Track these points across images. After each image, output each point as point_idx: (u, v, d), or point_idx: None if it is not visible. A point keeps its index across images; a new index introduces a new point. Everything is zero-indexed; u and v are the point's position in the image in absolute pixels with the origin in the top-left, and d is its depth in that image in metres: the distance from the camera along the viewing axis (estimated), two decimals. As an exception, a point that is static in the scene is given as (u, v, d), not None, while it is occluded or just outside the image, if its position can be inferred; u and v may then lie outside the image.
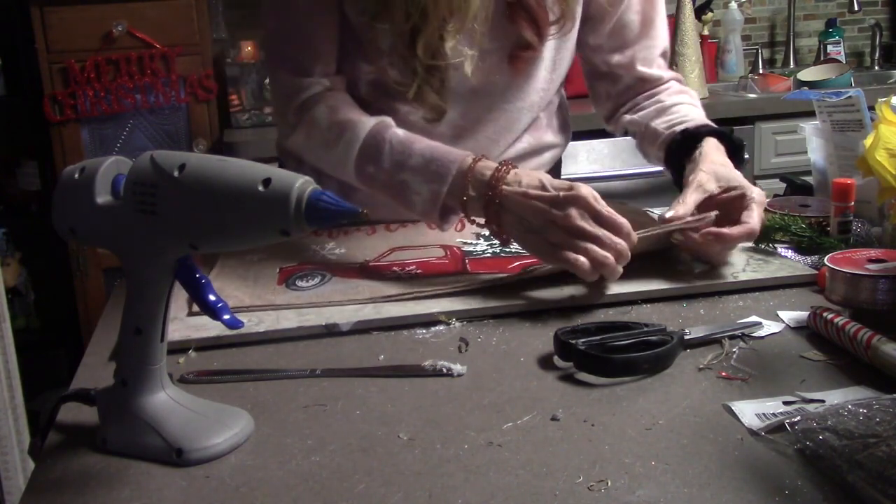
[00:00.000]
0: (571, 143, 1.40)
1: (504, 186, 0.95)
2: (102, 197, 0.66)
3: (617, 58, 1.26)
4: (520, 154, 1.27)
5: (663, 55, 1.29)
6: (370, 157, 1.06)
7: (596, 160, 2.44)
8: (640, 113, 1.25)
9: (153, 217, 0.63)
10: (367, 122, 1.09)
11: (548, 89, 1.24)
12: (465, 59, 1.08)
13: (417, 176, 1.02)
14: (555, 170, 1.37)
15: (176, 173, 0.62)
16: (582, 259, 0.89)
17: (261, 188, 0.59)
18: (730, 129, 1.17)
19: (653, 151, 1.23)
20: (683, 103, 1.23)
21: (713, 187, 1.02)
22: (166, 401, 0.67)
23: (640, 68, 1.26)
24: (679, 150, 1.14)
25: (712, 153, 1.08)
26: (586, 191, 0.92)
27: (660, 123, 1.21)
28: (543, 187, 0.94)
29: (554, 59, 1.22)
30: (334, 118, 1.10)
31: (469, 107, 1.19)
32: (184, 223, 0.62)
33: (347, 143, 1.08)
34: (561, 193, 0.92)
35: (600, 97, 1.32)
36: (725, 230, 0.97)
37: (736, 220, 0.99)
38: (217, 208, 0.61)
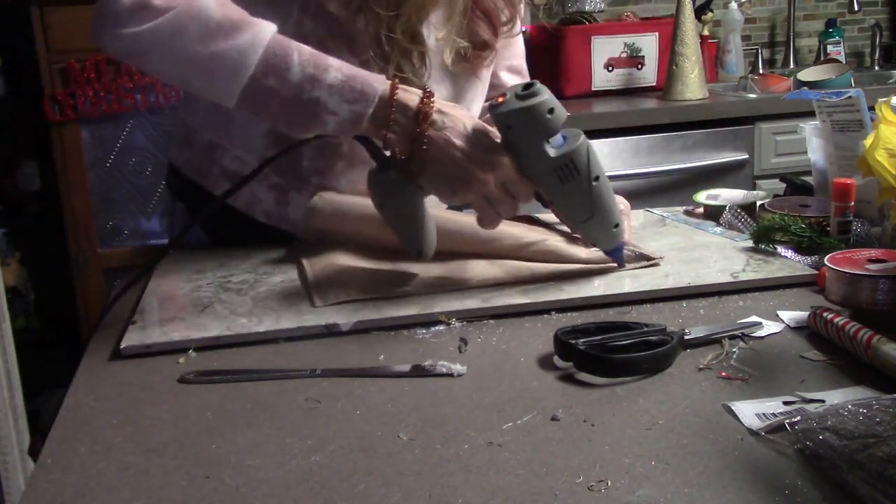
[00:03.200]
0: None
1: (431, 130, 0.92)
2: None
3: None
4: None
5: (513, 69, 1.32)
6: (275, 67, 0.92)
7: (596, 160, 2.44)
8: None
9: None
10: (268, 26, 0.94)
11: (488, 78, 1.26)
12: (447, 45, 1.09)
13: (335, 94, 0.92)
14: None
15: None
16: (481, 214, 0.94)
17: None
18: None
19: None
20: None
21: None
22: None
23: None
24: None
25: None
26: (507, 160, 0.92)
27: None
28: (468, 139, 0.92)
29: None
30: (228, 13, 0.93)
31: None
32: None
33: (246, 46, 0.92)
34: (485, 157, 0.91)
35: None
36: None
37: None
38: None
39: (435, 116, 0.92)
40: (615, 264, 1.02)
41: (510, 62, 1.32)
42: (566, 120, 0.92)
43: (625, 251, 1.04)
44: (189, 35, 0.92)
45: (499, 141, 0.93)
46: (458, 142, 0.92)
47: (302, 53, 0.94)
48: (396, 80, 0.95)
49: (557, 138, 0.92)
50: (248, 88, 0.93)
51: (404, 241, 0.97)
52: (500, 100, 0.91)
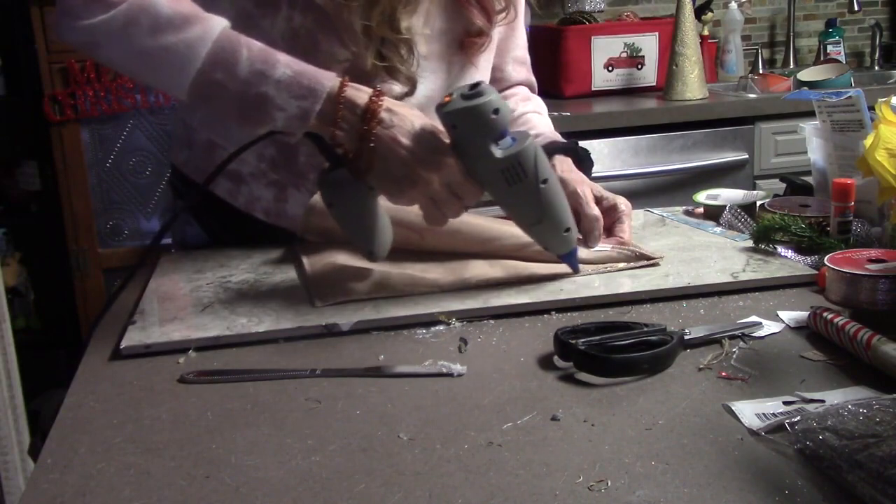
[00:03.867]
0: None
1: (378, 128, 0.92)
2: None
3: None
4: None
5: (517, 60, 1.33)
6: (223, 61, 0.93)
7: (596, 160, 2.44)
8: None
9: None
10: (218, 20, 0.95)
11: (488, 69, 1.26)
12: (420, 36, 1.09)
13: (283, 90, 0.92)
14: None
15: None
16: (425, 213, 0.94)
17: None
18: (574, 141, 1.22)
19: None
20: (529, 112, 1.29)
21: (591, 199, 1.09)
22: None
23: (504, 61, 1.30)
24: None
25: (573, 170, 1.14)
26: (452, 161, 0.91)
27: None
28: (415, 138, 0.91)
29: (493, 37, 1.24)
30: (179, 7, 0.95)
31: (431, 88, 1.19)
32: None
33: (194, 40, 0.93)
34: (431, 156, 0.91)
35: None
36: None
37: (607, 229, 1.08)
38: None
39: (383, 115, 0.92)
40: (619, 265, 1.02)
41: (513, 53, 1.32)
42: (512, 119, 0.92)
43: (625, 251, 1.04)
44: (140, 28, 0.93)
45: (447, 141, 0.92)
46: (405, 140, 0.91)
47: (251, 49, 0.94)
48: (347, 79, 0.95)
49: (506, 140, 0.90)
50: (197, 82, 0.93)
51: (355, 241, 0.96)
52: (447, 99, 0.90)
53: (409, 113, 0.93)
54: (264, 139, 0.96)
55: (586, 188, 1.10)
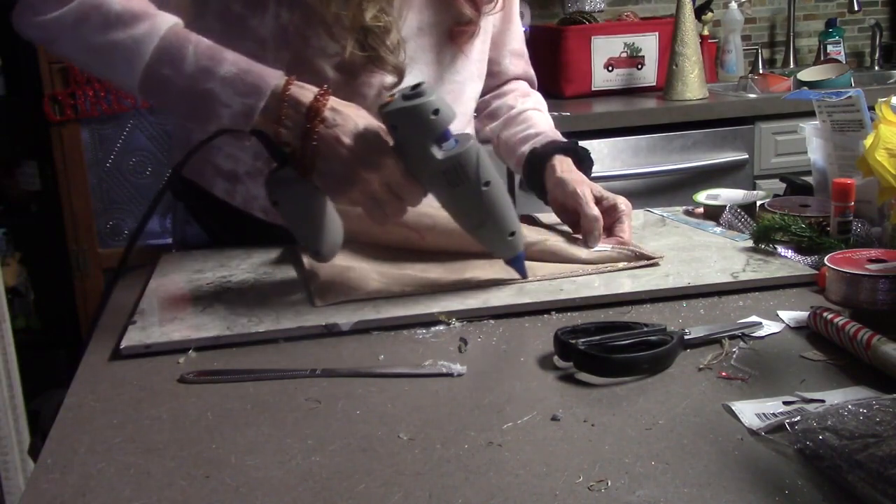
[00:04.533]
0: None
1: (321, 126, 0.92)
2: None
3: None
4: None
5: (514, 53, 1.33)
6: (170, 57, 0.95)
7: (596, 160, 2.44)
8: (491, 125, 1.31)
9: None
10: (168, 18, 0.98)
11: (482, 60, 1.26)
12: (408, 28, 1.10)
13: (228, 87, 0.93)
14: None
15: None
16: (368, 213, 0.94)
17: None
18: (574, 141, 1.22)
19: (511, 164, 1.29)
20: (528, 109, 1.29)
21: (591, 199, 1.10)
22: None
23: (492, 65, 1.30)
24: (536, 169, 1.19)
25: (573, 170, 1.15)
26: (392, 161, 0.91)
27: (511, 135, 1.27)
28: (357, 137, 0.91)
29: (485, 28, 1.24)
30: (129, 4, 0.97)
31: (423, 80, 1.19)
32: None
33: (142, 36, 0.95)
34: (371, 156, 0.91)
35: None
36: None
37: (607, 229, 1.08)
38: None
39: (327, 114, 0.92)
40: (619, 265, 1.02)
41: (510, 46, 1.32)
42: (453, 120, 0.91)
43: (625, 251, 1.04)
44: (90, 24, 0.96)
45: (390, 142, 0.92)
46: (347, 140, 0.91)
47: (199, 45, 0.96)
48: (293, 78, 0.95)
49: (449, 142, 0.90)
50: (146, 77, 0.95)
51: (301, 241, 0.96)
52: (389, 100, 0.90)
53: (355, 113, 0.94)
54: (219, 136, 0.97)
55: (586, 188, 1.10)
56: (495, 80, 1.33)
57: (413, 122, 0.88)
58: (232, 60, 0.95)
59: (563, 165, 1.14)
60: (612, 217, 1.09)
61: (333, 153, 0.91)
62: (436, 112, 0.88)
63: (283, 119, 0.92)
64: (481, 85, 1.27)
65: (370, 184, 0.91)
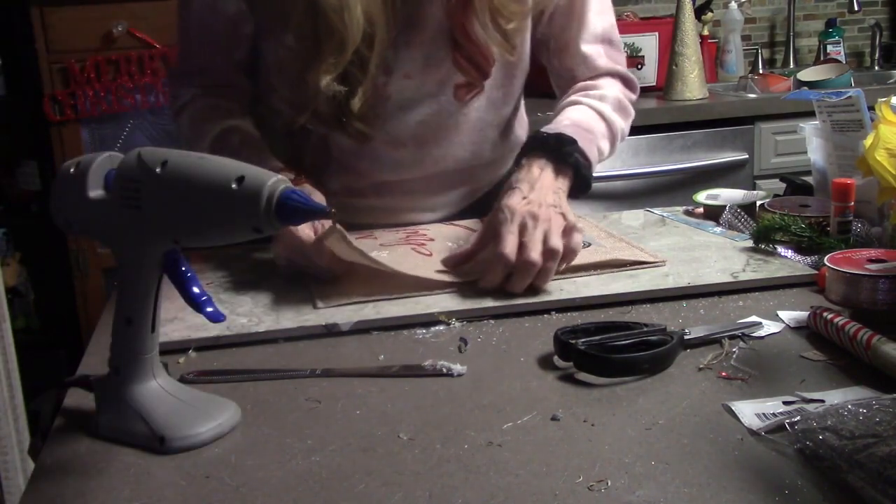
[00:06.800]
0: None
1: None
2: (95, 191, 0.68)
3: (554, 50, 1.24)
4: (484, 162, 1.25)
5: (598, 39, 1.23)
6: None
7: (596, 160, 2.44)
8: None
9: (138, 212, 0.65)
10: (214, 129, 1.12)
11: (497, 86, 1.20)
12: (378, 80, 1.09)
13: None
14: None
15: (158, 170, 0.64)
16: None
17: (234, 186, 0.61)
18: (555, 135, 1.09)
19: None
20: (567, 106, 1.20)
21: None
22: (156, 389, 0.69)
23: (567, 58, 1.24)
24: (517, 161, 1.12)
25: (535, 183, 1.02)
26: (327, 252, 0.95)
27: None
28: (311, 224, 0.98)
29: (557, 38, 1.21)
30: (194, 125, 1.16)
31: (427, 113, 1.17)
32: (165, 218, 0.64)
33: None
34: (315, 241, 0.96)
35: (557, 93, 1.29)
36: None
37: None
38: (194, 205, 0.63)
39: None
40: (621, 266, 1.01)
41: (581, 50, 1.23)
42: None
43: (625, 253, 1.03)
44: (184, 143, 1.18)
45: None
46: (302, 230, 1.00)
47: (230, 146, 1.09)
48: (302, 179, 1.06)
49: None
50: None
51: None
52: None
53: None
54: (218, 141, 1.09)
55: (521, 217, 0.97)
56: (568, 86, 1.25)
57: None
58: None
59: (531, 174, 1.04)
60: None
61: (288, 237, 1.00)
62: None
63: None
64: (504, 109, 1.23)
65: (313, 268, 0.99)
